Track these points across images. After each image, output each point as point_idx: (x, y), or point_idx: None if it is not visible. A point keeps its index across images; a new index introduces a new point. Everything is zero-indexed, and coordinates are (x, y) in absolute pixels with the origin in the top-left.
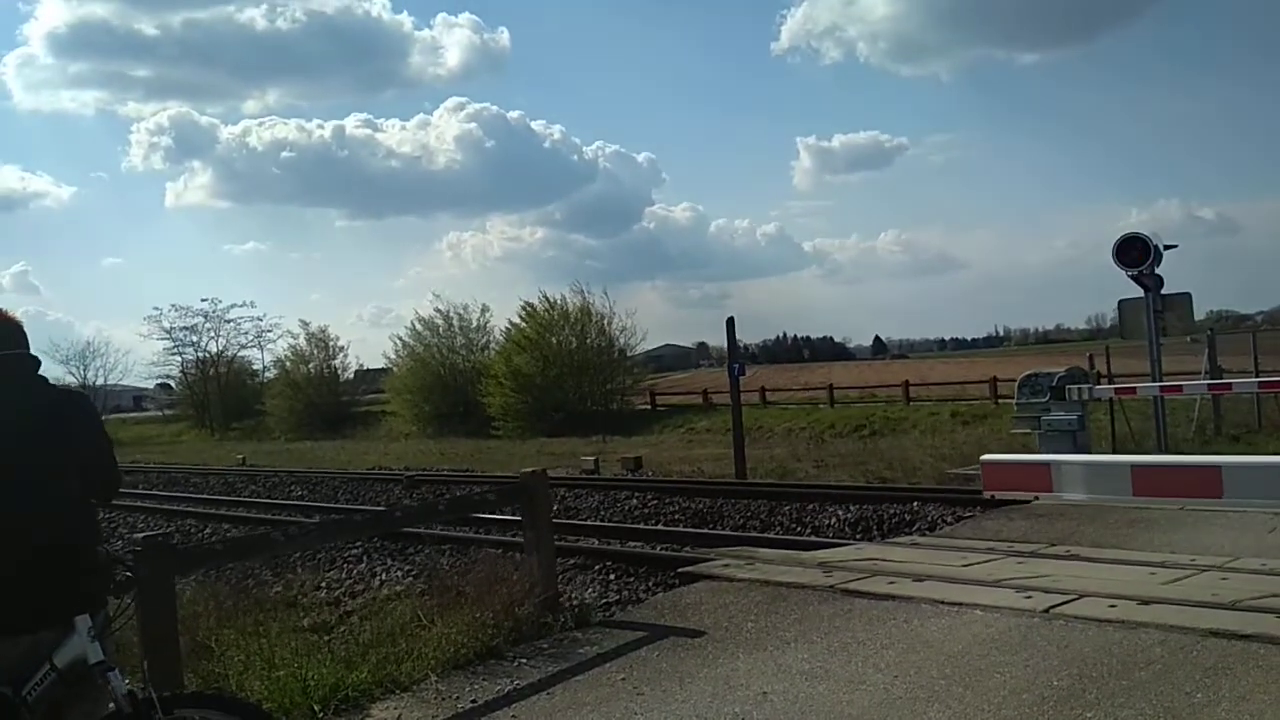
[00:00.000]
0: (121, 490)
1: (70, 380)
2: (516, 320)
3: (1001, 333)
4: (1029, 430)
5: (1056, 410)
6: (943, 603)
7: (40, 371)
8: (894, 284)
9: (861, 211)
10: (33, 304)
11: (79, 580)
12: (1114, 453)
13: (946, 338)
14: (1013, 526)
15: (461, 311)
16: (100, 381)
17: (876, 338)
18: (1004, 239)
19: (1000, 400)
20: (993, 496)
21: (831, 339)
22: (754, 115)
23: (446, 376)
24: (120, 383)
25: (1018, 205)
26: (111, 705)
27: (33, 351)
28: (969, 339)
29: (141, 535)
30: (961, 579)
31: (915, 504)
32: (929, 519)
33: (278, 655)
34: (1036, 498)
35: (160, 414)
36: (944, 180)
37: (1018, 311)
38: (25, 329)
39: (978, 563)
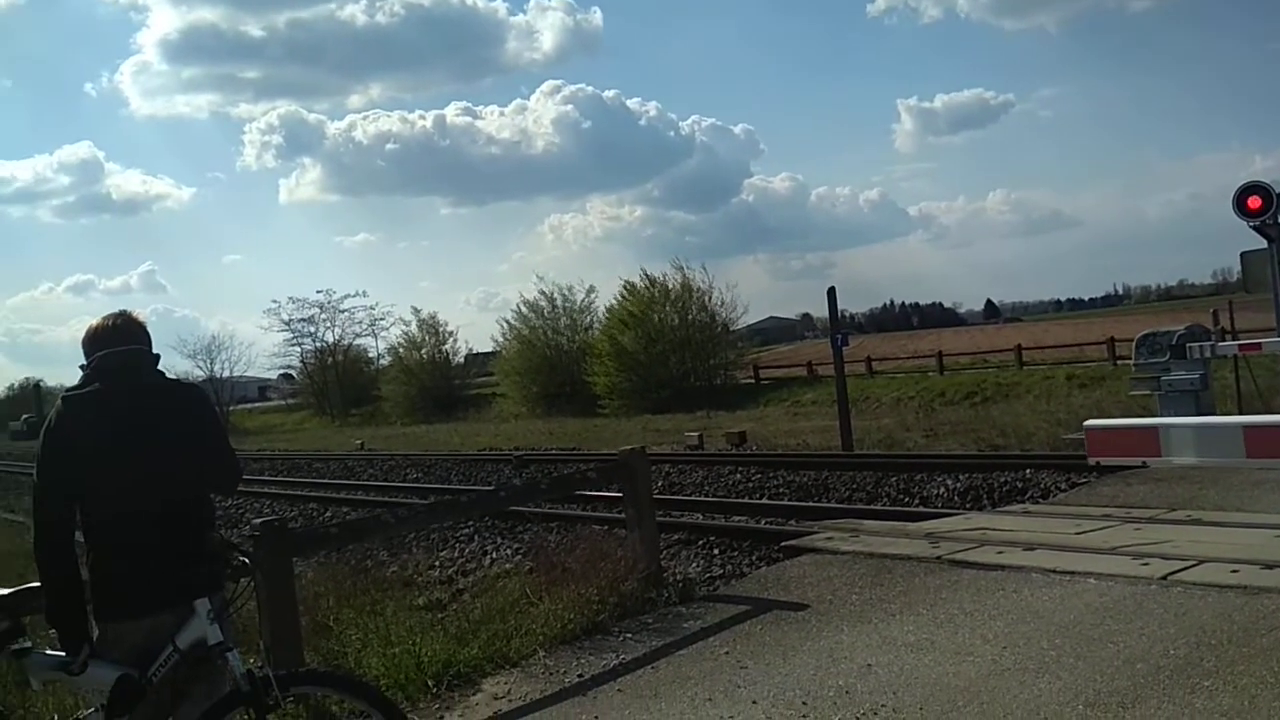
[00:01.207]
0: (245, 478)
1: (197, 374)
2: (618, 299)
3: (1120, 291)
4: (1148, 392)
5: (1177, 370)
6: (1054, 572)
7: (160, 366)
8: (1005, 245)
9: (967, 172)
10: (161, 302)
11: (196, 565)
12: (1240, 413)
13: (1062, 298)
14: (1130, 492)
15: (565, 292)
16: (226, 374)
17: (988, 301)
18: (1120, 193)
19: (1119, 361)
20: (1098, 463)
21: (940, 305)
22: (852, 79)
23: (553, 357)
24: (245, 374)
25: (1134, 158)
26: (231, 685)
27: (156, 350)
28: (1086, 299)
29: (260, 521)
30: (1074, 547)
31: (1028, 471)
32: (1042, 486)
33: (394, 633)
34: (1145, 463)
35: (283, 403)
36: (1054, 136)
37: (1137, 268)
38: (148, 329)
39: (1092, 530)
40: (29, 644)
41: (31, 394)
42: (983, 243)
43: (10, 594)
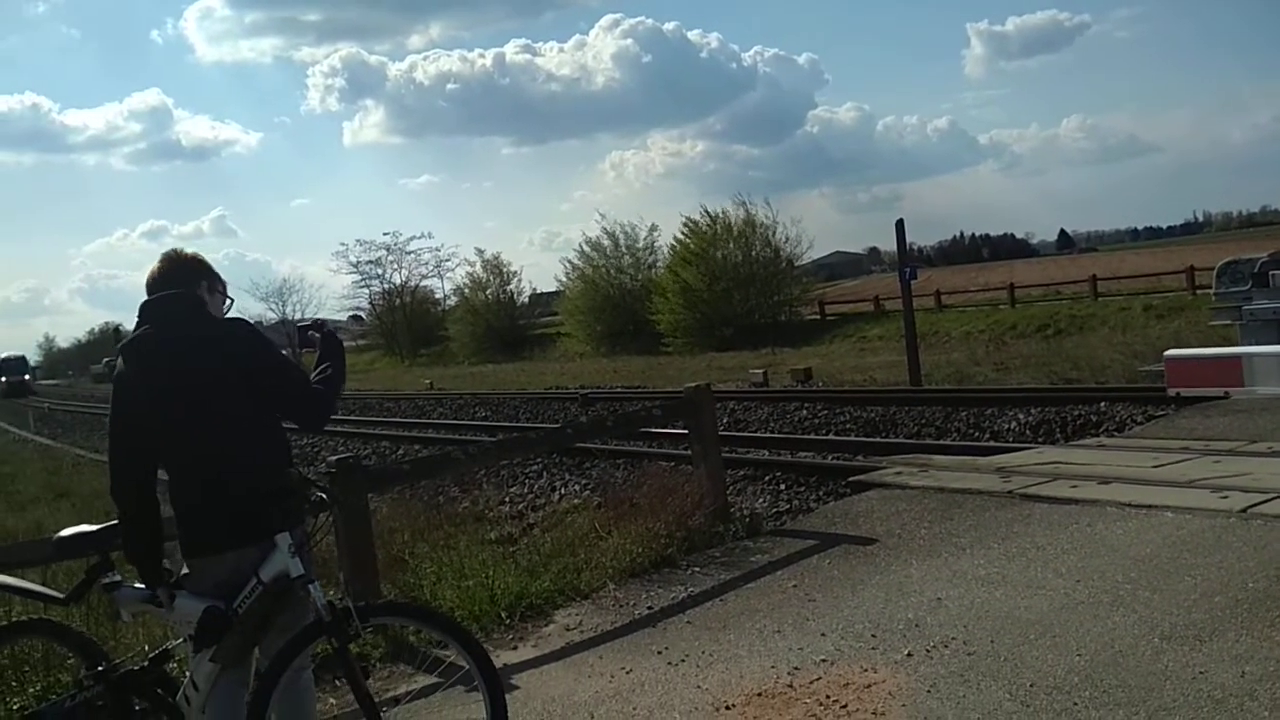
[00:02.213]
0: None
1: (270, 316)
2: (681, 236)
3: (1200, 218)
4: (1229, 322)
5: (1259, 299)
6: (1130, 505)
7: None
8: (1079, 173)
9: (1041, 98)
10: (232, 246)
11: (273, 501)
12: None
13: (1139, 227)
14: (1210, 424)
15: (628, 230)
16: (297, 316)
17: (1061, 231)
18: (1202, 117)
19: (1199, 291)
20: (1178, 394)
21: (1012, 235)
22: (919, 3)
23: (616, 296)
24: (316, 316)
25: (1217, 79)
26: (313, 615)
27: (223, 289)
28: (1164, 227)
29: (335, 458)
30: (1151, 480)
31: (1102, 404)
32: (1117, 419)
33: (467, 566)
34: (1226, 394)
35: (354, 344)
36: (1132, 58)
37: (1219, 194)
38: (195, 268)
39: (1170, 463)
40: (118, 578)
41: (111, 337)
42: (1056, 171)
43: (98, 530)
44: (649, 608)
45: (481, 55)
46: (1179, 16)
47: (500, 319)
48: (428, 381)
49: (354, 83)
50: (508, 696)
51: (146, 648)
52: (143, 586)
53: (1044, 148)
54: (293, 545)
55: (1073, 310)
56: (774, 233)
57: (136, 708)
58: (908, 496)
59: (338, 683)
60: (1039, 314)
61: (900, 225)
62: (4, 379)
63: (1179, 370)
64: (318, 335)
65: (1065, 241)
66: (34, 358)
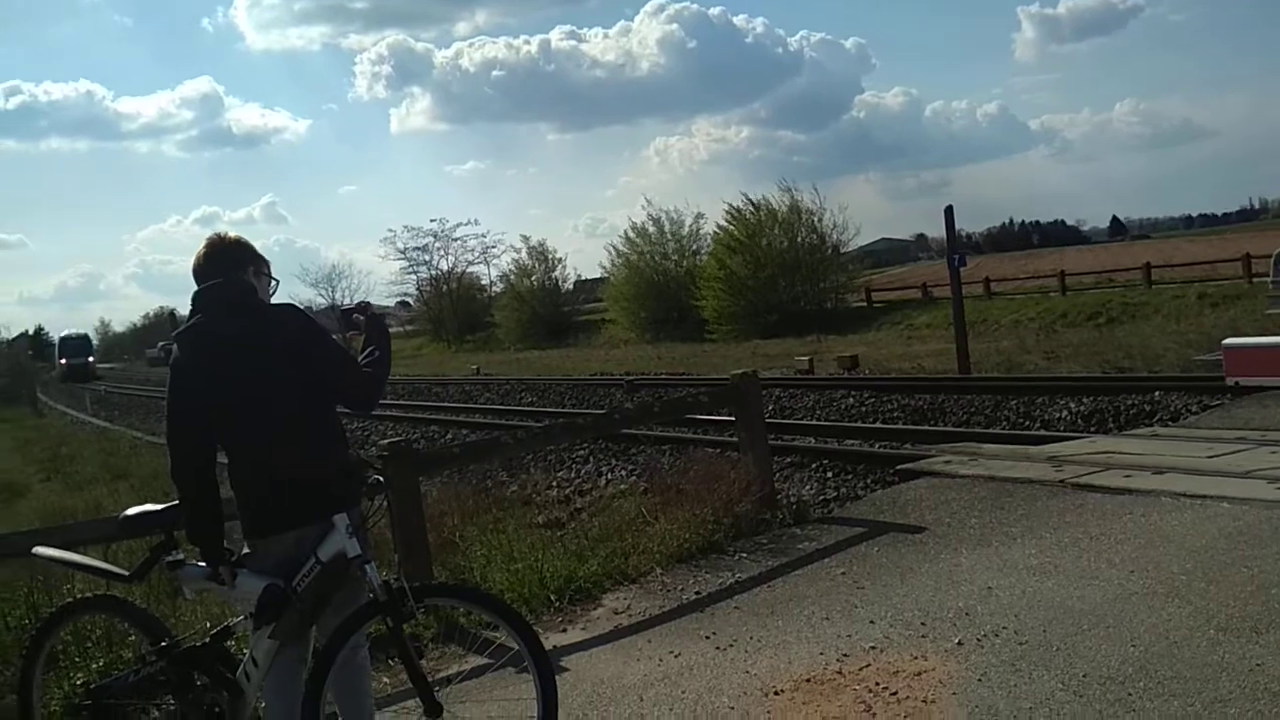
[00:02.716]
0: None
1: (320, 302)
2: (724, 223)
3: (1257, 205)
4: None
5: None
6: (1185, 495)
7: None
8: (1133, 159)
9: (1093, 82)
10: (282, 232)
11: (331, 483)
12: None
13: (1194, 214)
14: (1267, 414)
15: (672, 217)
16: (346, 301)
17: (1114, 218)
18: (1260, 101)
19: (1255, 279)
20: (1236, 384)
21: (1063, 222)
22: None
23: (660, 282)
24: (357, 300)
25: (1274, 63)
26: (369, 595)
27: (273, 275)
28: (1219, 214)
29: (388, 442)
30: (1206, 470)
31: (1156, 393)
32: (1171, 409)
33: (516, 549)
34: None
35: (402, 329)
36: (1187, 41)
37: (1276, 181)
38: (238, 251)
39: (1225, 454)
40: (181, 556)
41: (167, 322)
42: (1109, 157)
43: (163, 509)
44: (696, 593)
45: (527, 42)
46: None
47: (545, 305)
48: (474, 367)
49: (401, 70)
50: (557, 678)
51: (208, 625)
52: (205, 565)
53: (1096, 133)
54: (350, 526)
55: (1125, 298)
56: (820, 219)
57: (198, 683)
58: (957, 485)
59: (391, 662)
60: (1090, 302)
61: (949, 211)
62: (64, 360)
63: (1238, 359)
64: (362, 318)
65: (1118, 228)
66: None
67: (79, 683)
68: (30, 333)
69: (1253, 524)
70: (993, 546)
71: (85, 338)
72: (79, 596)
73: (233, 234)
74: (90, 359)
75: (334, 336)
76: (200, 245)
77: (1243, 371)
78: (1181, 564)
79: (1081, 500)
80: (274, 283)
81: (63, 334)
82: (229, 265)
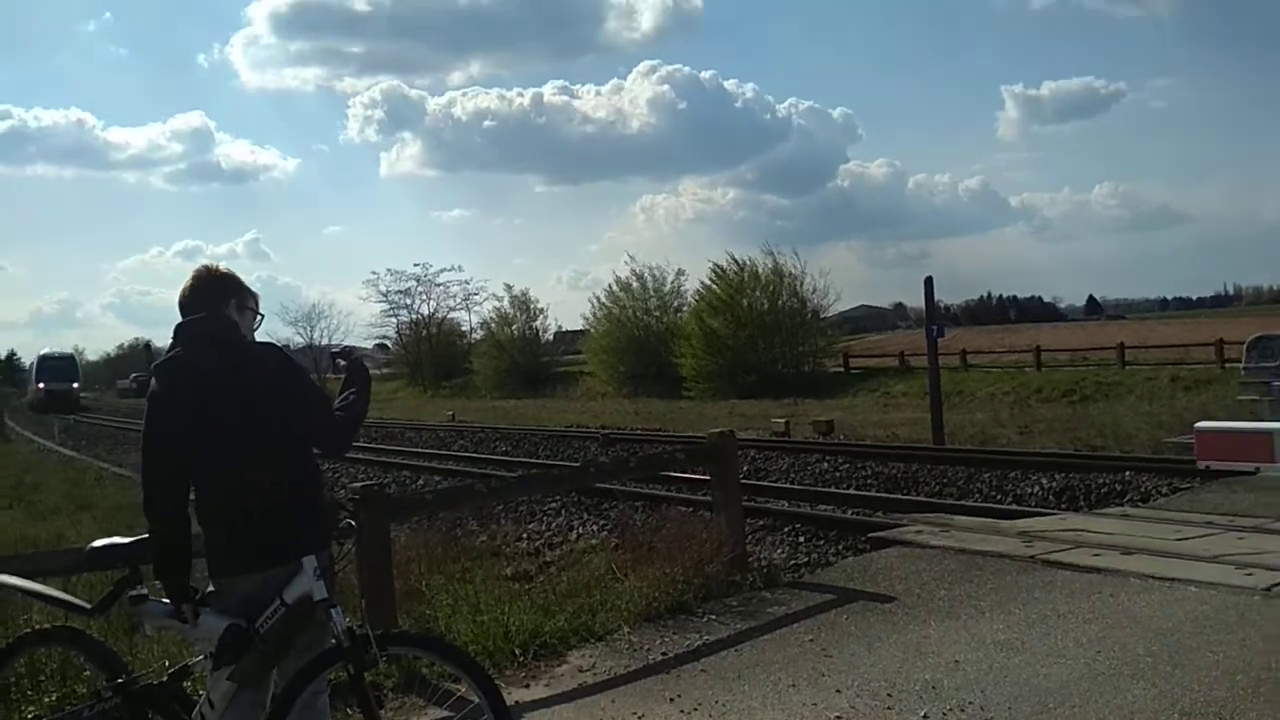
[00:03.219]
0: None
1: (298, 340)
2: (708, 282)
3: (1231, 291)
4: (1257, 397)
5: None
6: (1153, 577)
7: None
8: (1110, 240)
9: (1074, 163)
10: (264, 269)
11: (304, 524)
12: None
13: (1169, 297)
14: (1235, 499)
15: (656, 273)
16: (325, 341)
17: (1090, 297)
18: (1235, 190)
19: (1228, 364)
20: (1207, 467)
21: (1040, 299)
22: (956, 64)
23: (641, 337)
24: (343, 343)
25: (1250, 153)
26: (333, 640)
27: (256, 307)
28: (1194, 298)
29: (360, 484)
30: (1175, 553)
31: (1127, 473)
32: (1142, 490)
33: (482, 601)
34: (1257, 469)
35: (378, 372)
36: (1167, 128)
37: (1250, 268)
38: (226, 284)
39: (1194, 537)
40: (145, 591)
41: (141, 353)
42: (1087, 237)
43: (130, 542)
44: (663, 653)
45: (520, 94)
46: (1215, 90)
47: (524, 355)
48: (450, 413)
49: (393, 115)
50: None
51: (166, 663)
52: (168, 602)
53: (1075, 213)
54: (318, 568)
55: (1099, 377)
56: (801, 283)
57: None
58: (928, 556)
59: (350, 710)
60: (1065, 379)
61: (929, 282)
62: (42, 385)
63: (1209, 442)
64: (345, 362)
65: (1093, 308)
66: None
67: (30, 716)
68: (1, 357)
69: (1219, 609)
70: (961, 620)
71: (70, 359)
72: (37, 627)
73: (222, 266)
74: (75, 384)
75: (312, 376)
76: (188, 276)
77: (1213, 455)
78: (1148, 646)
79: (1051, 577)
80: (259, 318)
81: (42, 353)
82: (214, 297)
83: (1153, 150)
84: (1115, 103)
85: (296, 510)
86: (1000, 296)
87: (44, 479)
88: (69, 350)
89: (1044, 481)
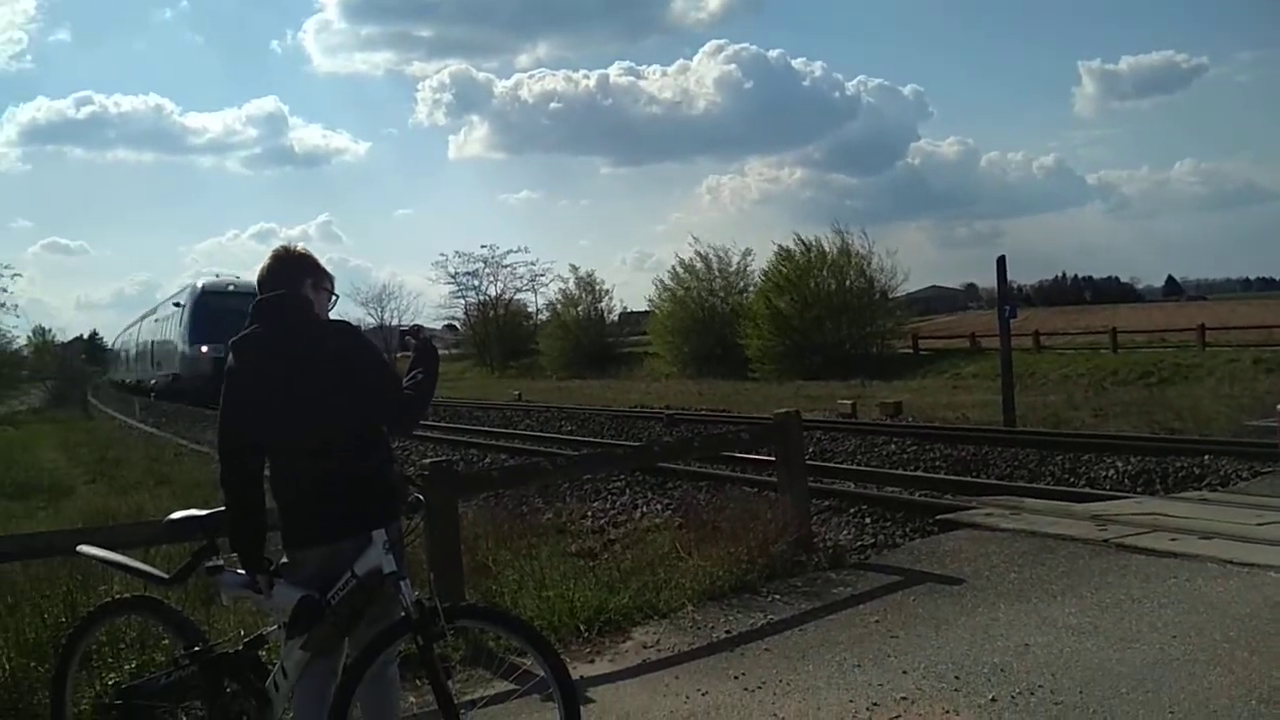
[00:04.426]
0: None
1: (368, 321)
2: (774, 262)
3: None
4: None
5: None
6: (1231, 563)
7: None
8: (1191, 219)
9: (1153, 140)
10: (336, 251)
11: (374, 498)
12: None
13: (1252, 277)
14: None
15: (721, 254)
16: (395, 322)
17: (1169, 278)
18: None
19: None
20: None
21: (1117, 279)
22: (1030, 39)
23: (706, 318)
24: (412, 323)
25: None
26: (402, 612)
27: (331, 288)
28: (1279, 278)
29: (429, 461)
30: (1255, 539)
31: (1206, 457)
32: (1221, 474)
33: (548, 577)
34: None
35: (446, 353)
36: (1253, 102)
37: None
38: (303, 264)
39: (1274, 522)
40: (221, 562)
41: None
42: (1167, 215)
43: (207, 515)
44: (727, 631)
45: (586, 76)
46: None
47: (590, 335)
48: (516, 393)
49: (461, 98)
50: (582, 709)
51: (241, 632)
52: (243, 573)
53: (1154, 191)
54: (387, 542)
55: (1178, 359)
56: (869, 263)
57: (228, 690)
58: (998, 538)
59: (418, 682)
60: (1142, 361)
61: (1002, 262)
62: (205, 350)
63: None
64: (414, 341)
65: (1173, 288)
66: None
67: (111, 683)
68: (85, 337)
69: None
70: (1032, 603)
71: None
72: (117, 596)
73: (300, 247)
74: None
75: (384, 356)
76: (267, 256)
77: None
78: (1225, 632)
79: (1125, 561)
80: (334, 298)
81: (203, 283)
82: (290, 277)
83: (1237, 126)
84: (1197, 77)
85: (367, 485)
86: (1075, 277)
87: (125, 455)
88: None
89: (1119, 465)
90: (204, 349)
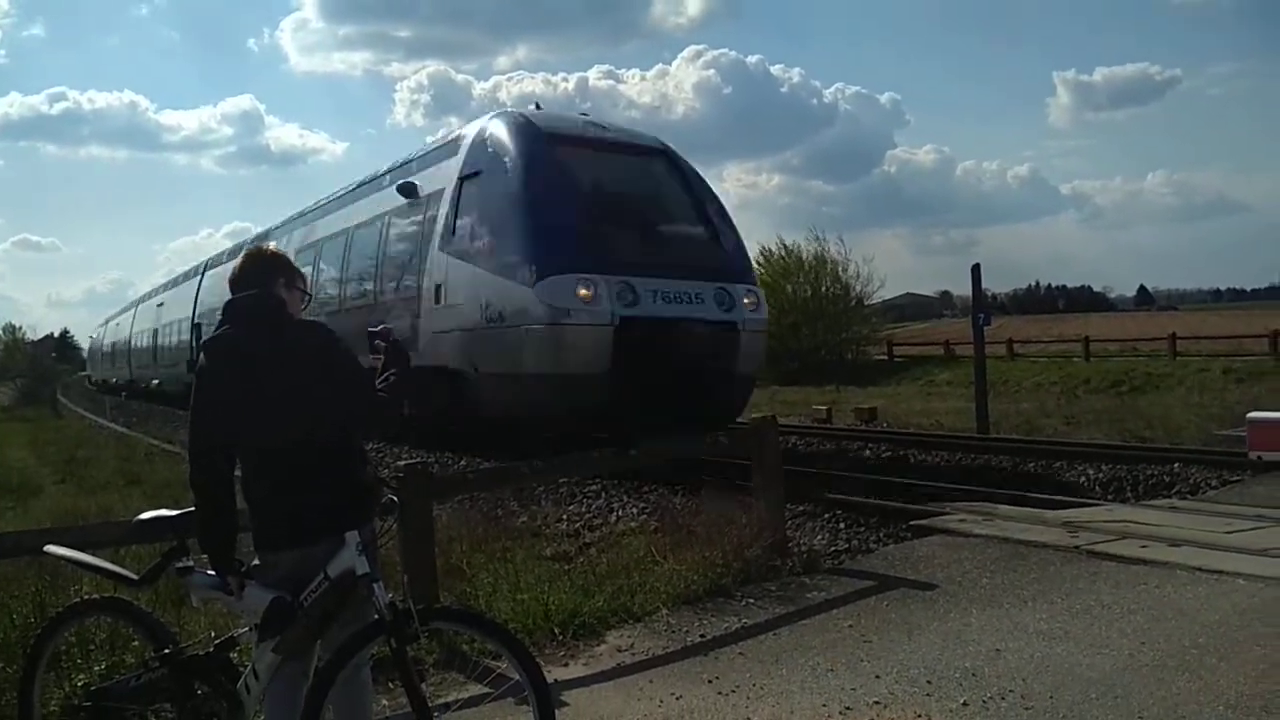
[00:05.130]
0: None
1: None
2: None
3: None
4: None
5: None
6: (1200, 570)
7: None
8: (1163, 229)
9: (1126, 151)
10: None
11: (347, 500)
12: None
13: (1222, 287)
14: None
15: None
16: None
17: (1141, 287)
18: None
19: None
20: (1259, 458)
21: (1089, 288)
22: (1008, 51)
23: None
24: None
25: None
26: (375, 614)
27: (304, 288)
28: (1248, 289)
29: (404, 463)
30: (1223, 546)
31: (1176, 465)
32: (1191, 482)
33: (522, 580)
34: None
35: None
36: (1225, 115)
37: None
38: (275, 265)
39: (1244, 530)
40: (191, 563)
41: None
42: (1139, 225)
43: (177, 515)
44: (701, 635)
45: (565, 79)
46: (1276, 76)
47: None
48: None
49: (440, 99)
50: (556, 713)
51: (212, 634)
52: (214, 574)
53: (1127, 201)
54: (360, 544)
55: (1149, 368)
56: (845, 269)
57: (198, 692)
58: (970, 544)
59: (392, 684)
60: (1114, 369)
61: (977, 270)
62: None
63: (1263, 433)
64: (384, 344)
65: (1144, 298)
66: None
67: (80, 684)
68: (55, 335)
69: (1268, 601)
70: (1003, 608)
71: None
72: (86, 597)
73: (272, 246)
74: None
75: (357, 356)
76: (239, 256)
77: (1267, 445)
78: (1194, 638)
79: (1096, 567)
80: (307, 298)
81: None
82: (262, 277)
83: (1210, 139)
84: (1171, 89)
85: (340, 486)
86: (1049, 285)
87: (95, 454)
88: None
89: (1090, 472)
90: (582, 289)
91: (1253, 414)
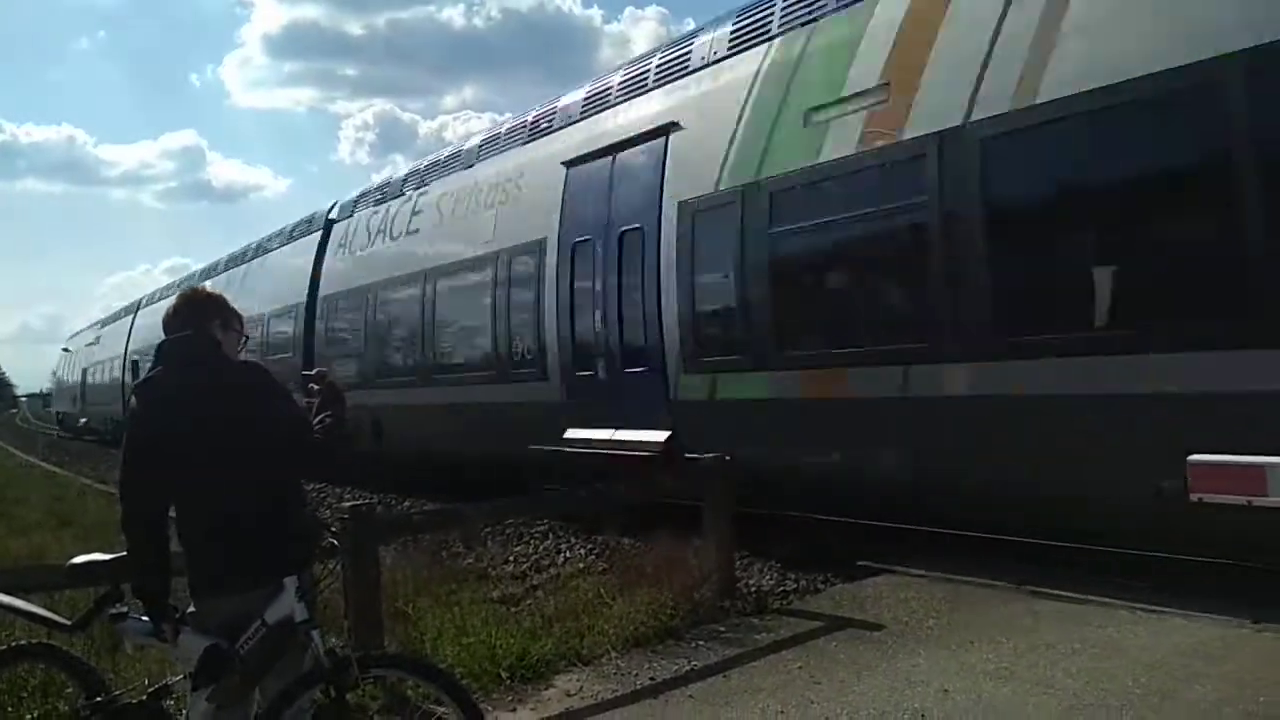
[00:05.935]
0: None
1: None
2: None
3: None
4: None
5: None
6: (1141, 609)
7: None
8: None
9: None
10: None
11: (286, 544)
12: None
13: None
14: None
15: None
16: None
17: None
18: None
19: None
20: (1200, 500)
21: None
22: None
23: None
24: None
25: None
26: (313, 662)
27: (241, 328)
28: None
29: (348, 504)
30: (1164, 585)
31: None
32: None
33: (469, 624)
34: (1249, 502)
35: None
36: None
37: None
38: (211, 306)
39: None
40: (126, 609)
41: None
42: None
43: (110, 560)
44: (651, 678)
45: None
46: None
47: None
48: None
49: (385, 137)
50: None
51: (146, 682)
52: (148, 620)
53: None
54: (300, 589)
55: None
56: None
57: None
58: (917, 584)
59: None
60: None
61: None
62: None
63: (1203, 475)
64: (318, 387)
65: None
66: (45, 385)
67: None
68: None
69: (1207, 640)
70: (951, 649)
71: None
72: (17, 644)
73: (208, 287)
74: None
75: (294, 397)
76: (174, 297)
77: (1209, 489)
78: (1136, 678)
79: (1040, 607)
80: (244, 339)
81: None
82: (198, 318)
83: None
84: None
85: (277, 530)
86: None
87: (26, 493)
88: None
89: None
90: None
91: (1193, 456)
